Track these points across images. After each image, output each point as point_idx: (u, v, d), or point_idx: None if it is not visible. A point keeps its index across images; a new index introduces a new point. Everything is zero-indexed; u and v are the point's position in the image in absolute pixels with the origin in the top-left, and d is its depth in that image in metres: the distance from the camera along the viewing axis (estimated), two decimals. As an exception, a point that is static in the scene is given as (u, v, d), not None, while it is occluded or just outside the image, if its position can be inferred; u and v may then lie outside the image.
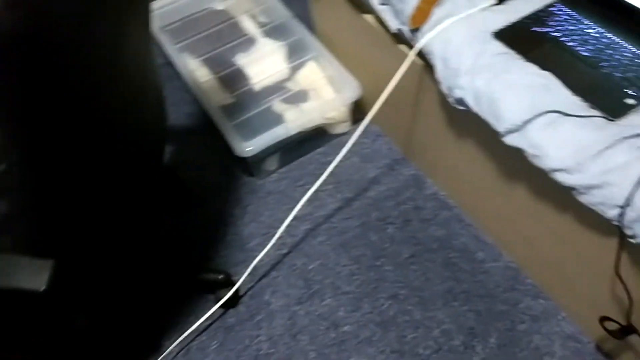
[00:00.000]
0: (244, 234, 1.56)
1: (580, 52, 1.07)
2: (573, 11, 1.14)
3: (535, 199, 1.17)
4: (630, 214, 0.90)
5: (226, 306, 1.43)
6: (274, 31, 1.85)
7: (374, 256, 1.47)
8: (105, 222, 1.08)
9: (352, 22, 1.48)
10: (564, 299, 1.30)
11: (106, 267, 1.19)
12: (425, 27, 1.18)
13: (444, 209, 1.53)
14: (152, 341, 1.39)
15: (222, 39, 1.85)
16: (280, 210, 1.59)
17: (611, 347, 1.23)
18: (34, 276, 0.83)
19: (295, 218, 1.54)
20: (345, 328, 1.36)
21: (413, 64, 1.27)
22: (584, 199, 0.96)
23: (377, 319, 1.36)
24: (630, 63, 1.03)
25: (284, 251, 1.51)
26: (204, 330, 1.39)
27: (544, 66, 1.05)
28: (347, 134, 1.71)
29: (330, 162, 1.39)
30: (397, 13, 1.25)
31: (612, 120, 0.96)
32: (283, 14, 1.84)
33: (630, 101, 0.97)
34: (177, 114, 1.86)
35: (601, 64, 1.04)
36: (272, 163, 1.67)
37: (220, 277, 1.41)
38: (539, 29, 1.12)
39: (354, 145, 1.68)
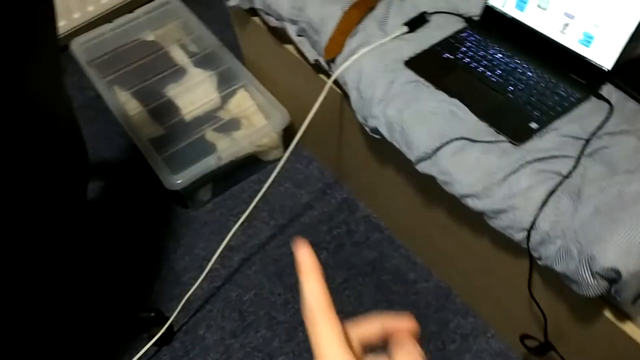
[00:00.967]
0: (178, 267, 1.54)
1: (489, 77, 1.10)
2: (481, 37, 1.17)
3: (454, 222, 1.19)
4: (535, 237, 0.92)
5: (160, 344, 1.40)
6: (204, 60, 1.85)
7: (309, 283, 1.47)
8: (29, 265, 1.05)
9: (275, 51, 1.49)
10: (491, 317, 1.33)
11: (33, 310, 1.15)
12: (340, 58, 1.20)
13: (376, 231, 1.54)
14: (84, 385, 1.35)
15: (152, 70, 1.84)
16: (215, 241, 1.58)
17: (538, 362, 1.26)
18: None
19: (229, 248, 1.54)
20: (280, 359, 1.35)
21: (333, 92, 1.29)
22: (493, 223, 0.98)
23: (312, 347, 1.36)
24: (535, 87, 1.06)
25: (218, 283, 1.49)
26: (138, 369, 1.37)
27: (453, 93, 1.08)
28: (280, 161, 1.71)
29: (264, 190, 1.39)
30: (313, 44, 1.26)
31: (517, 145, 0.99)
32: (212, 42, 1.84)
33: (534, 125, 1.01)
34: (109, 148, 1.83)
35: (508, 88, 1.07)
36: (205, 193, 1.66)
37: (152, 314, 1.39)
38: (449, 56, 1.15)
39: (287, 171, 1.70)
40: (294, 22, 1.29)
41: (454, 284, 1.40)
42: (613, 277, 0.81)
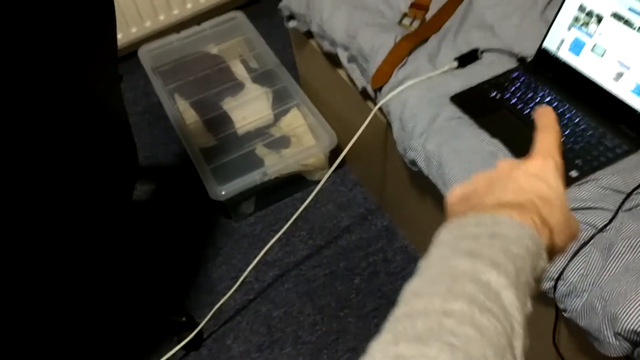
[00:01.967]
0: (214, 276, 1.58)
1: (534, 120, 1.08)
2: (532, 78, 1.16)
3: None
4: (561, 288, 0.90)
5: (188, 348, 1.44)
6: (262, 77, 1.90)
7: (339, 307, 1.48)
8: (68, 260, 1.11)
9: (328, 74, 1.52)
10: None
11: (68, 305, 1.21)
12: (386, 87, 1.21)
13: (412, 263, 1.53)
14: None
15: (212, 82, 1.90)
16: (252, 254, 1.61)
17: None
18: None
19: (265, 263, 1.57)
20: (301, 379, 1.36)
21: (378, 120, 1.30)
22: (522, 268, 0.96)
23: (334, 372, 1.36)
24: (580, 134, 1.04)
25: (251, 296, 1.52)
26: (164, 371, 1.41)
27: (495, 132, 1.07)
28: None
29: (306, 209, 1.42)
30: (362, 71, 1.28)
31: (554, 192, 0.96)
32: (272, 60, 1.88)
33: (574, 173, 0.98)
34: (164, 153, 1.91)
35: (554, 132, 1.05)
36: (248, 206, 1.70)
37: (184, 318, 1.43)
38: (496, 95, 1.14)
39: (331, 193, 1.72)
40: (346, 48, 1.31)
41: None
42: (636, 340, 0.77)
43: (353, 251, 1.58)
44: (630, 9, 1.00)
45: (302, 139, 1.73)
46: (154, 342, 1.45)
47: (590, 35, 1.07)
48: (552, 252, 0.41)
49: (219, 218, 1.71)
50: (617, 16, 1.02)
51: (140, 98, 2.07)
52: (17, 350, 1.16)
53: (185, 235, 1.68)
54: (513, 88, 1.15)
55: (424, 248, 1.54)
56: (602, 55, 1.06)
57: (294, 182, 1.72)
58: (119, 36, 2.02)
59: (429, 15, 1.32)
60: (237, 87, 1.89)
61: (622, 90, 1.03)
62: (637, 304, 0.77)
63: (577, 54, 1.10)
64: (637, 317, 0.77)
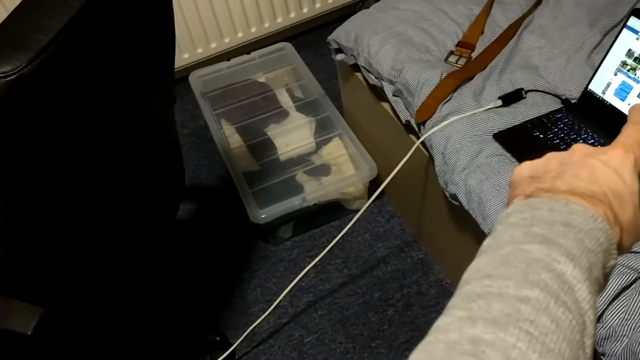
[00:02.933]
0: (249, 298, 1.60)
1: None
2: (576, 120, 1.17)
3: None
4: (601, 331, 0.89)
5: (220, 368, 1.46)
6: (306, 106, 1.95)
7: (371, 337, 1.48)
8: (109, 275, 1.15)
9: (372, 107, 1.55)
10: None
11: (103, 316, 1.25)
12: (430, 121, 1.23)
13: (446, 298, 1.52)
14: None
15: (257, 108, 1.96)
16: (288, 278, 1.63)
17: None
18: (23, 320, 0.91)
19: (299, 288, 1.59)
20: (330, 406, 1.36)
21: (420, 153, 1.32)
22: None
23: (363, 402, 1.36)
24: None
25: (284, 320, 1.54)
26: (195, 389, 1.43)
27: (537, 172, 1.07)
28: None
29: (342, 237, 1.44)
30: (407, 105, 1.31)
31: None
32: (317, 90, 1.93)
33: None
34: (208, 175, 1.96)
35: (597, 174, 1.06)
36: (286, 231, 1.73)
37: (218, 338, 1.45)
38: (539, 134, 1.15)
39: (368, 223, 1.74)
40: (391, 82, 1.35)
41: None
42: (676, 389, 0.76)
43: (388, 282, 1.59)
44: (678, 56, 1.01)
45: (342, 168, 1.76)
46: (187, 358, 1.48)
47: (638, 81, 1.08)
48: (619, 250, 0.39)
49: (257, 241, 1.75)
50: (665, 63, 1.03)
51: (189, 121, 2.14)
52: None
53: (223, 256, 1.72)
54: (556, 129, 1.16)
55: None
56: (649, 101, 1.06)
57: (332, 210, 1.75)
58: (171, 61, 2.10)
59: (475, 54, 1.34)
60: (281, 114, 1.94)
61: (668, 136, 1.03)
62: (678, 351, 0.77)
63: (623, 98, 1.11)
64: (678, 364, 0.76)
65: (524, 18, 1.40)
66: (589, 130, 1.14)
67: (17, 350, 1.03)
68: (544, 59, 1.29)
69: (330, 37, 1.59)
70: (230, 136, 1.88)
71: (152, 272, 1.51)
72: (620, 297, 0.88)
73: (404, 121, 1.34)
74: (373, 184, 1.70)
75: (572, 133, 1.14)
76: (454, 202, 1.18)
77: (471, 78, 1.28)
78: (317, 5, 2.25)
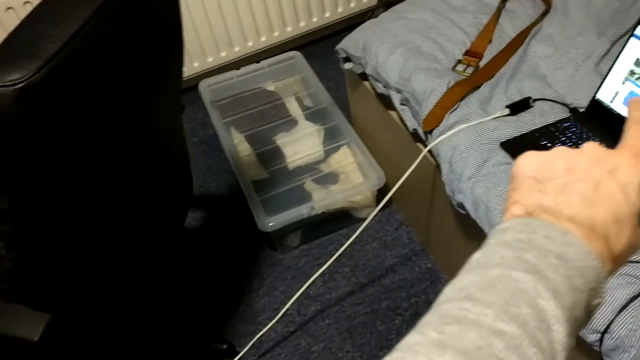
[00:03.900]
0: (257, 306, 1.60)
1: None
2: (584, 129, 1.16)
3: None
4: (608, 342, 0.88)
5: (227, 376, 1.46)
6: (315, 115, 1.96)
7: (378, 346, 1.47)
8: (117, 282, 1.16)
9: (379, 115, 1.55)
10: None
11: (110, 323, 1.26)
12: (437, 130, 1.23)
13: (454, 307, 1.52)
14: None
15: (267, 117, 1.97)
16: (295, 287, 1.63)
17: None
18: (30, 326, 0.92)
19: (307, 296, 1.59)
20: (337, 416, 1.36)
21: (427, 162, 1.32)
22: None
23: (370, 411, 1.36)
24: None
25: (291, 329, 1.54)
26: (202, 397, 1.43)
27: (544, 180, 1.07)
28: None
29: (350, 246, 1.44)
30: (414, 114, 1.31)
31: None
32: (326, 99, 1.94)
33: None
34: (217, 182, 1.97)
35: (605, 184, 1.05)
36: (294, 239, 1.73)
37: (225, 346, 1.46)
38: (547, 143, 1.15)
39: (376, 231, 1.73)
40: (399, 91, 1.35)
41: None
42: (684, 401, 0.75)
43: (395, 291, 1.58)
44: (687, 65, 1.00)
45: (350, 177, 1.76)
46: (194, 366, 1.49)
47: (646, 89, 1.08)
48: (608, 274, 0.39)
49: (265, 249, 1.75)
50: (673, 71, 1.03)
51: (198, 129, 2.15)
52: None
53: (231, 264, 1.72)
54: (564, 137, 1.15)
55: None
56: (657, 109, 1.06)
57: (340, 219, 1.75)
58: (181, 70, 2.12)
59: (482, 63, 1.34)
60: (290, 123, 1.95)
61: (677, 145, 1.02)
62: (686, 362, 0.76)
63: (632, 106, 1.10)
64: (686, 375, 0.75)
65: (532, 27, 1.40)
66: (597, 139, 1.13)
67: (24, 356, 1.04)
68: (552, 67, 1.29)
69: (339, 46, 1.60)
70: (239, 144, 1.89)
71: (159, 280, 1.51)
72: (628, 308, 0.87)
73: (411, 130, 1.34)
74: (381, 193, 1.70)
75: (579, 142, 1.14)
76: (460, 210, 1.17)
77: (479, 87, 1.28)
78: (327, 15, 2.26)
